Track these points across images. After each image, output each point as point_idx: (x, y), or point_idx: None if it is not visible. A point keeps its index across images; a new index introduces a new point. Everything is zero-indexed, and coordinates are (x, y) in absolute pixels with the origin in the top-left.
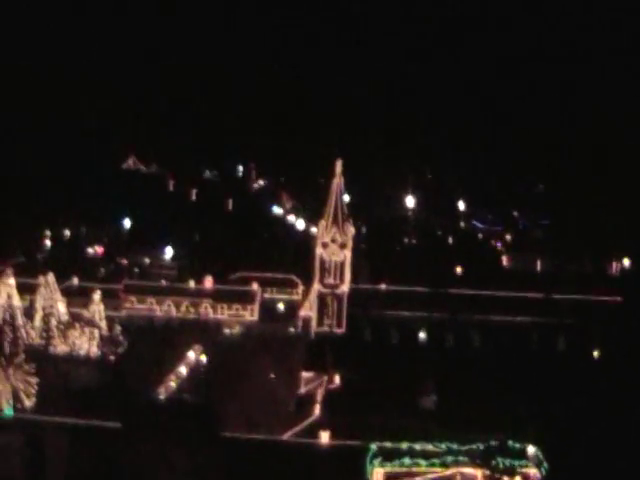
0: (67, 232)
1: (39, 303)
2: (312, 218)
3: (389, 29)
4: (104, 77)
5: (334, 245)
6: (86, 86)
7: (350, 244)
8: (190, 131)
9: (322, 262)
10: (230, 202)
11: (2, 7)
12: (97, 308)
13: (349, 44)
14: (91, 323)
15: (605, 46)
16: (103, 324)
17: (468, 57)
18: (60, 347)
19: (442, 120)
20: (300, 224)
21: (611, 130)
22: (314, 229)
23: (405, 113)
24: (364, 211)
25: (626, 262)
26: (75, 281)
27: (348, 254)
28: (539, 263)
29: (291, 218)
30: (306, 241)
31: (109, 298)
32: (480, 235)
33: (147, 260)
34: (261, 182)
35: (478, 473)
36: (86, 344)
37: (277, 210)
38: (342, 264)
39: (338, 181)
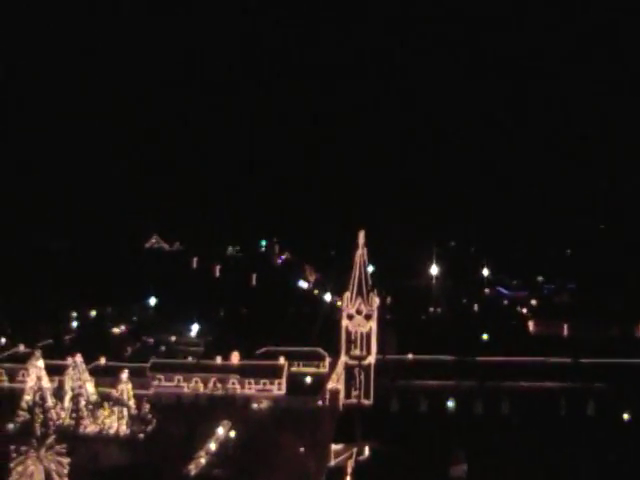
0: (93, 313)
1: (68, 384)
2: (337, 290)
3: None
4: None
5: (359, 316)
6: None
7: (375, 315)
8: (211, 209)
9: (348, 334)
10: (254, 277)
11: None
12: (125, 387)
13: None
14: (120, 402)
15: None
16: (131, 403)
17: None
18: (90, 427)
19: (465, 188)
20: (325, 296)
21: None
22: (339, 302)
23: (427, 182)
24: (388, 281)
25: None
26: (102, 361)
27: (374, 325)
28: (566, 327)
29: (316, 291)
30: (331, 313)
31: (137, 377)
32: (505, 301)
33: (173, 338)
34: (284, 256)
35: None
36: (115, 423)
37: (302, 284)
38: (368, 335)
39: (361, 252)
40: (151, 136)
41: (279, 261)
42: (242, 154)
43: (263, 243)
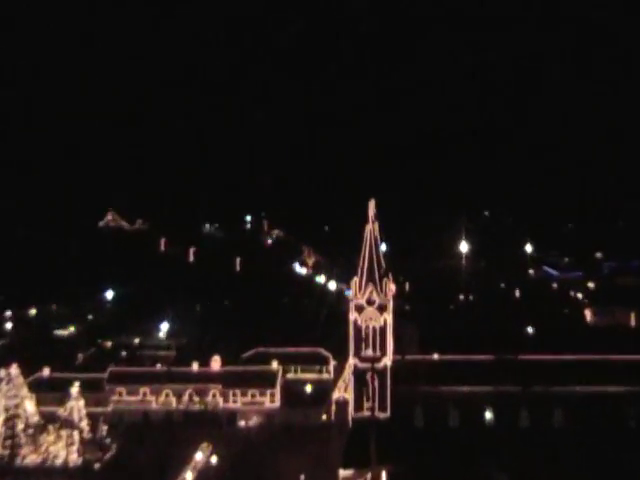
0: (33, 311)
1: (1, 403)
2: (342, 276)
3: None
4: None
5: (371, 308)
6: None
7: (391, 305)
8: (183, 177)
9: (357, 330)
10: (238, 261)
11: None
12: (76, 404)
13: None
14: (69, 424)
15: None
16: (84, 424)
17: None
18: (30, 457)
19: (499, 143)
20: (328, 284)
21: None
22: (345, 290)
23: (450, 138)
24: (407, 263)
25: None
26: (46, 372)
27: (389, 318)
28: (632, 317)
29: (317, 278)
30: (336, 305)
31: (91, 391)
32: (554, 284)
33: (137, 340)
34: (276, 234)
35: None
36: (63, 451)
37: (299, 269)
38: (382, 331)
39: (372, 227)
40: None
41: (269, 241)
42: (219, 113)
43: (248, 219)
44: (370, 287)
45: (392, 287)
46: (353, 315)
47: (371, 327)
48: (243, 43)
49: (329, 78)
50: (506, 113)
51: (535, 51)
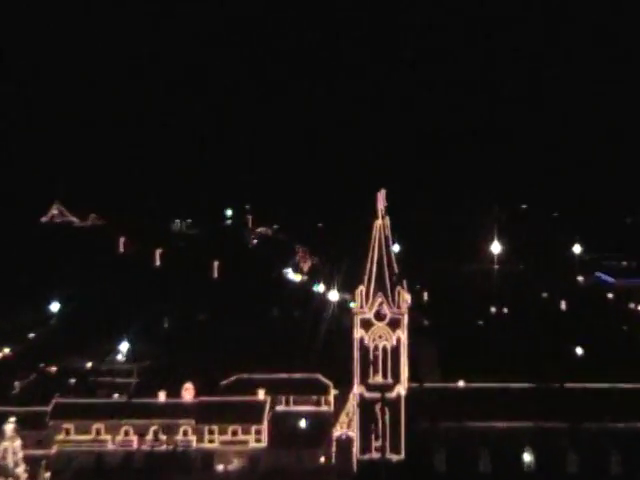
0: None
1: None
2: (345, 283)
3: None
4: None
5: (381, 323)
6: None
7: (406, 320)
8: (146, 161)
9: (364, 351)
10: (216, 266)
11: None
12: (10, 445)
13: None
14: (1, 471)
15: None
16: (21, 470)
17: None
18: None
19: (539, 124)
20: (328, 294)
21: None
22: (349, 301)
23: (477, 116)
24: (425, 267)
25: None
26: None
27: (403, 336)
28: None
29: (315, 287)
30: (338, 320)
31: (31, 428)
32: (610, 294)
33: (89, 364)
34: (263, 232)
35: None
36: None
37: (291, 274)
38: (395, 352)
39: (381, 224)
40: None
41: (255, 240)
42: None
43: (229, 213)
44: (379, 297)
45: (407, 297)
46: (359, 332)
47: (381, 347)
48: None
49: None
50: (547, 95)
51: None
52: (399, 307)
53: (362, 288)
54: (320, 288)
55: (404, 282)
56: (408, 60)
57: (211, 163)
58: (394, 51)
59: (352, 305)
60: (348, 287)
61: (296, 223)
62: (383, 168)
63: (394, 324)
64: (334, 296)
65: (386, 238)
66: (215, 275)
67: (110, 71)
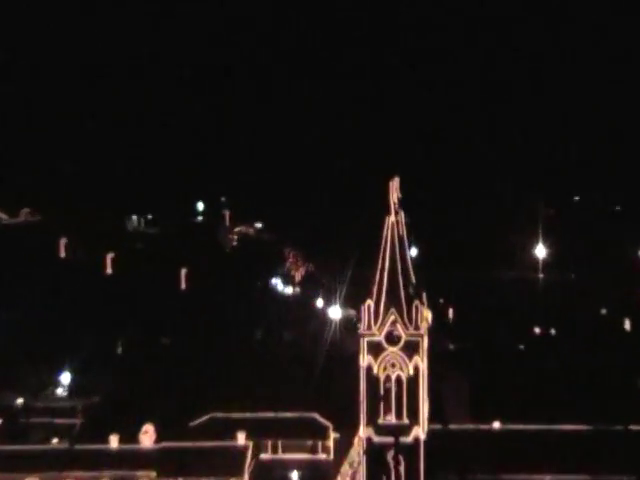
0: None
1: None
2: (349, 297)
3: None
4: None
5: (394, 348)
6: None
7: (425, 344)
8: (94, 142)
9: (372, 383)
10: (184, 273)
11: None
12: None
13: None
14: None
15: None
16: None
17: None
18: None
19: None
20: (327, 310)
21: None
22: (354, 319)
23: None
24: (450, 276)
25: None
26: None
27: (422, 364)
28: None
29: (314, 302)
30: (340, 342)
31: None
32: None
33: (20, 400)
34: (244, 232)
35: None
36: None
37: (279, 285)
38: (412, 385)
39: (395, 220)
40: None
41: (233, 242)
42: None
43: (200, 208)
44: (392, 315)
45: (427, 314)
46: (366, 360)
47: (394, 378)
48: None
49: None
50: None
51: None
52: (417, 327)
53: (370, 303)
54: (318, 303)
55: (423, 295)
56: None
57: (178, 145)
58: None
59: (358, 325)
60: (353, 301)
61: (286, 220)
62: (396, 151)
63: (411, 349)
64: (336, 313)
65: (400, 239)
66: (183, 286)
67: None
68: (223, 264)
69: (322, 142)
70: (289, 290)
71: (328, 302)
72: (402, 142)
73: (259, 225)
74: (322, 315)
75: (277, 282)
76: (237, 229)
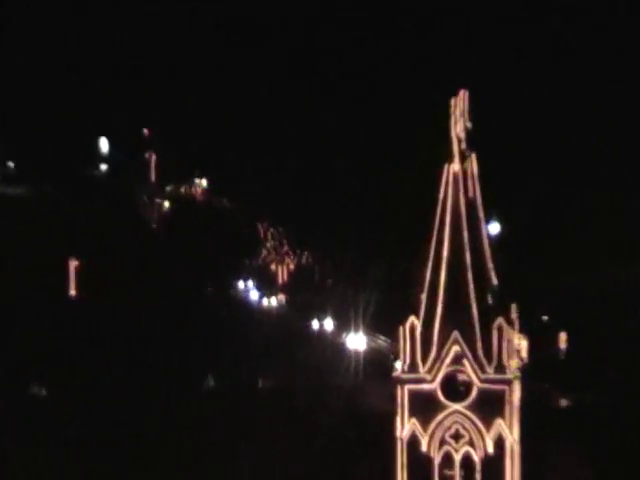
0: None
1: None
2: (380, 315)
3: None
4: None
5: (459, 405)
6: None
7: (517, 397)
8: None
9: (419, 468)
10: (73, 267)
11: None
12: None
13: None
14: None
15: None
16: None
17: None
18: None
19: None
20: (343, 336)
21: None
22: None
23: None
24: (558, 277)
25: None
26: None
27: (511, 436)
28: None
29: (305, 317)
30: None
31: None
32: None
33: None
34: (184, 191)
35: None
36: None
37: (250, 291)
38: (493, 473)
39: (460, 170)
40: None
41: (163, 208)
42: None
43: (104, 148)
44: (454, 343)
45: (520, 344)
46: (407, 426)
47: (459, 461)
48: None
49: None
50: None
51: None
52: (501, 367)
53: (414, 321)
54: (323, 324)
55: (513, 309)
56: None
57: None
58: None
59: (395, 361)
60: (388, 325)
61: (259, 174)
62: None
63: (490, 407)
64: (357, 342)
65: (471, 205)
66: (72, 291)
67: None
68: (143, 252)
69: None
70: (270, 301)
71: (342, 324)
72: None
73: (205, 183)
74: (332, 346)
75: (247, 286)
76: (169, 188)
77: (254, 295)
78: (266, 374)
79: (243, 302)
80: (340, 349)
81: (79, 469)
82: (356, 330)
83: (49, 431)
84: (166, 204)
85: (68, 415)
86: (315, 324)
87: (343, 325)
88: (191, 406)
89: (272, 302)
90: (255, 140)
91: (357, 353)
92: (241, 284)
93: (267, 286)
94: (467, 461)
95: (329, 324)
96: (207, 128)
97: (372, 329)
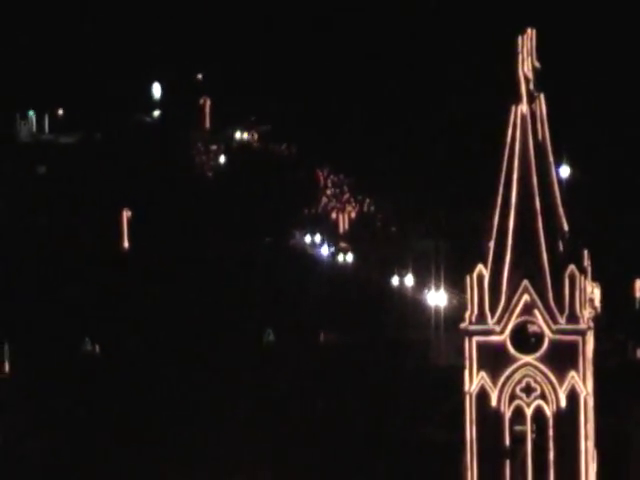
0: None
1: None
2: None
3: None
4: None
5: (530, 357)
6: None
7: (591, 349)
8: None
9: (489, 424)
10: (125, 219)
11: None
12: None
13: None
14: None
15: None
16: None
17: None
18: None
19: None
20: (424, 292)
21: None
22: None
23: None
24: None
25: None
26: None
27: (585, 389)
28: None
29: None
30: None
31: None
32: None
33: None
34: (236, 138)
35: None
36: None
37: (317, 243)
38: (566, 428)
39: (528, 111)
40: None
41: (218, 158)
42: None
43: (156, 93)
44: (524, 292)
45: (594, 293)
46: (476, 380)
47: (530, 415)
48: None
49: None
50: None
51: None
52: (574, 317)
53: (482, 270)
54: (404, 280)
55: (585, 256)
56: None
57: None
58: None
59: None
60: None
61: (318, 119)
62: None
63: (563, 359)
64: (437, 299)
65: (539, 148)
66: (125, 243)
67: None
68: (198, 202)
69: None
70: (344, 258)
71: (421, 281)
72: None
73: (262, 128)
74: (408, 302)
75: (315, 240)
76: (224, 134)
77: (325, 250)
78: (329, 329)
79: (302, 254)
80: (420, 307)
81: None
82: (437, 287)
83: (104, 390)
84: (220, 151)
85: (126, 370)
86: (395, 280)
87: (422, 284)
88: (249, 361)
89: (347, 258)
90: (316, 83)
91: (436, 308)
92: (308, 238)
93: (328, 239)
94: (539, 415)
95: (409, 280)
96: (265, 71)
97: (452, 284)
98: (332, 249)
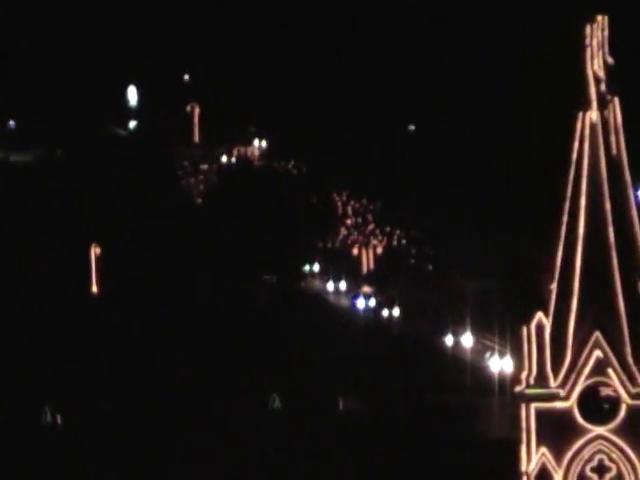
0: None
1: None
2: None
3: None
4: None
5: (603, 428)
6: None
7: None
8: None
9: None
10: (93, 255)
11: None
12: None
13: None
14: None
15: None
16: None
17: None
18: None
19: None
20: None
21: None
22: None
23: None
24: None
25: None
26: None
27: None
28: None
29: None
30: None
31: None
32: None
33: None
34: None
35: None
36: None
37: (326, 281)
38: None
39: (600, 119)
40: None
41: (209, 176)
42: None
43: (132, 98)
44: (596, 346)
45: None
46: (536, 457)
47: None
48: None
49: None
50: None
51: None
52: None
53: (541, 319)
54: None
55: None
56: None
57: None
58: None
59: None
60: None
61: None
62: None
63: None
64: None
65: (613, 165)
66: (94, 287)
67: None
68: (185, 235)
69: None
70: (390, 311)
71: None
72: None
73: (263, 143)
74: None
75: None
76: (217, 150)
77: (363, 303)
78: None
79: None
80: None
81: None
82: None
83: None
84: (214, 171)
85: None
86: (449, 340)
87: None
88: (252, 430)
89: (394, 312)
90: (330, 88)
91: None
92: (342, 284)
93: (349, 275)
94: None
95: (468, 340)
96: (265, 72)
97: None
98: (370, 299)
